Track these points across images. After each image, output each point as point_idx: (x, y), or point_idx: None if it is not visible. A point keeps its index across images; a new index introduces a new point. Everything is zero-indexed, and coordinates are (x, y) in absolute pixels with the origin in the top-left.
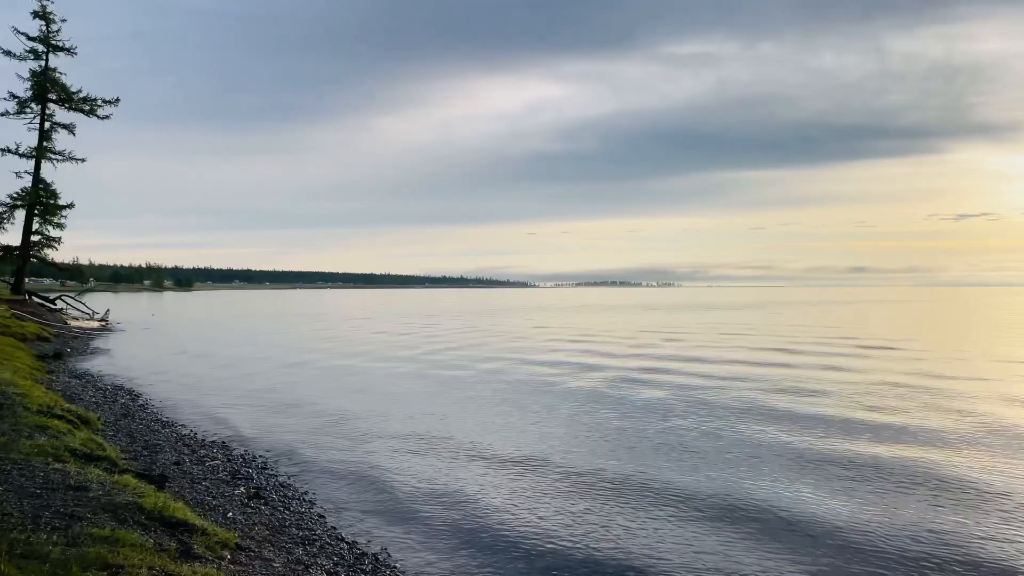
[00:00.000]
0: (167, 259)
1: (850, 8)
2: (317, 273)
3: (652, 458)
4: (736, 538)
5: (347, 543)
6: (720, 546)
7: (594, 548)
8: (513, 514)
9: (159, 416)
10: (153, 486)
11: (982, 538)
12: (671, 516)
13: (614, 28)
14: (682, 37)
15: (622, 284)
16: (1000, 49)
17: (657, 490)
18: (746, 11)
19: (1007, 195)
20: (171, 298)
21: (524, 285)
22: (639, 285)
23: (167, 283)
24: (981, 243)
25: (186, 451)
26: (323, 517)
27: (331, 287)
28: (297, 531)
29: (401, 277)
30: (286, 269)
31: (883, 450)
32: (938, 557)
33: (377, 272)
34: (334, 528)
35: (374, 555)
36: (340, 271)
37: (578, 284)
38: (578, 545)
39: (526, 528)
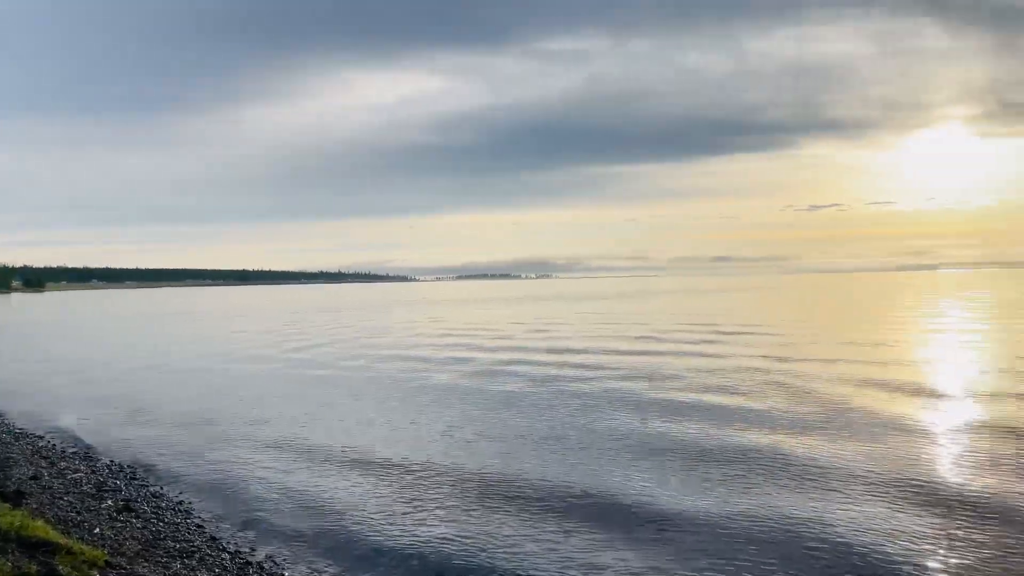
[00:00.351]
0: (15, 258)
1: (711, 9)
2: (185, 271)
3: (524, 454)
4: (605, 534)
5: (229, 553)
6: (588, 543)
7: (478, 550)
8: (396, 518)
9: (11, 427)
10: (8, 504)
11: (836, 518)
12: (547, 514)
13: (487, 22)
14: (555, 33)
15: (502, 276)
16: (846, 51)
17: (532, 488)
18: (616, 9)
19: (854, 187)
20: (19, 300)
21: (404, 279)
22: (519, 277)
23: (15, 283)
24: (832, 232)
25: (44, 464)
26: (202, 527)
27: (201, 285)
28: (173, 543)
29: (276, 273)
30: (151, 267)
31: (744, 436)
32: (802, 541)
33: (250, 268)
34: (214, 538)
35: (259, 564)
36: (210, 268)
37: (459, 277)
38: (461, 547)
39: (411, 532)
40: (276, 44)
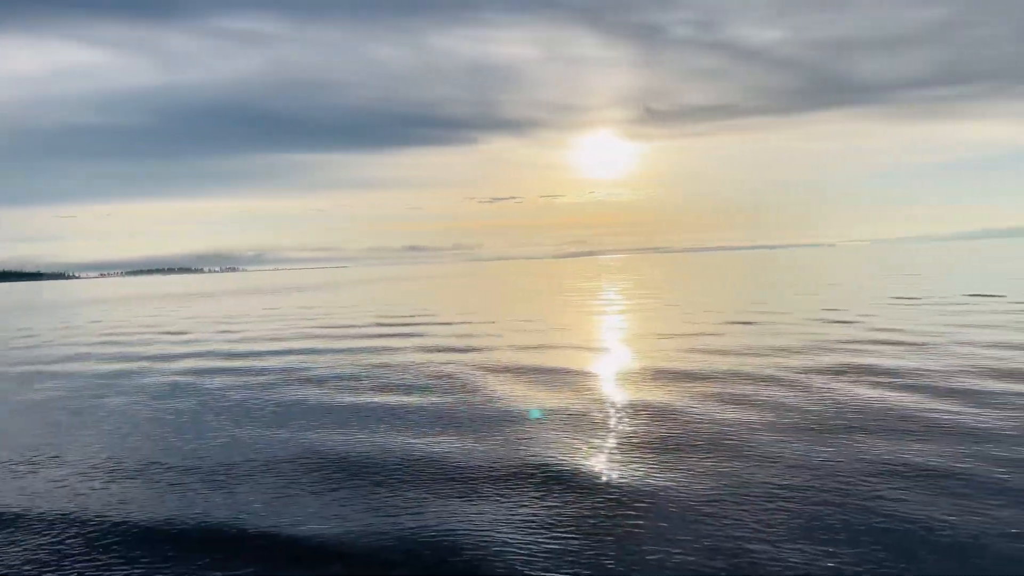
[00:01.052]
0: None
1: (396, 2)
2: None
3: (156, 487)
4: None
5: None
6: None
7: None
8: None
9: None
10: None
11: (477, 519)
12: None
13: None
14: (230, 11)
15: (182, 270)
16: (517, 55)
17: (181, 529)
18: None
19: (528, 181)
20: None
21: (61, 276)
22: (201, 271)
23: None
24: (510, 223)
25: None
26: None
27: None
28: None
29: None
30: None
31: (396, 440)
32: (443, 550)
33: None
34: None
35: None
36: None
37: (129, 272)
38: None
39: None
40: None
